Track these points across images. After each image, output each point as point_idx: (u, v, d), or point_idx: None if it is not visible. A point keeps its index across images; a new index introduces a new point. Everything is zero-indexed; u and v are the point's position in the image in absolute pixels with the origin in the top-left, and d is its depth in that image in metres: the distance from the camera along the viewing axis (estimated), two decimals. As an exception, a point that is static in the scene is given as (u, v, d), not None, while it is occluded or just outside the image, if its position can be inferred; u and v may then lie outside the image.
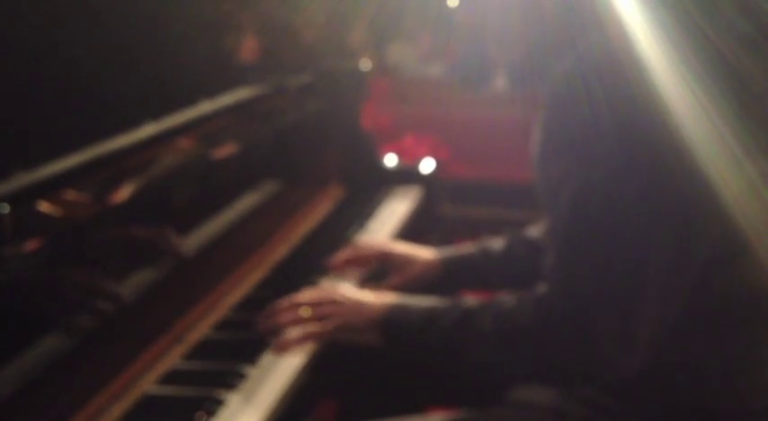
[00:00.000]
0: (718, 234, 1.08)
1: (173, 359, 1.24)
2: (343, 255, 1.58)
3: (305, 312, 1.30)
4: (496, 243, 1.54)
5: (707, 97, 1.04)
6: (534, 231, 1.50)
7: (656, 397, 1.17)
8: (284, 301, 1.33)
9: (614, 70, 1.07)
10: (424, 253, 1.58)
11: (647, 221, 1.07)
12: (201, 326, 1.34)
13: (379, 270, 1.60)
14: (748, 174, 1.05)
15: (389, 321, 1.26)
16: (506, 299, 1.20)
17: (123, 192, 1.20)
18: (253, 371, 1.19)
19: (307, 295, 1.33)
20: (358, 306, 1.29)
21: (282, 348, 1.25)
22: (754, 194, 1.06)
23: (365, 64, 2.18)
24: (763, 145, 1.06)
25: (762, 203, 1.06)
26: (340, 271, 1.55)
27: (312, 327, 1.28)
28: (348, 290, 1.35)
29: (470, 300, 1.24)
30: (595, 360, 1.13)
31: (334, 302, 1.30)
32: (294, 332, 1.27)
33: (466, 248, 1.57)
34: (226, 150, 1.53)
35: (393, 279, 1.55)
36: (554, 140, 1.15)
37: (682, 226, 1.07)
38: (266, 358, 1.24)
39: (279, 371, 1.21)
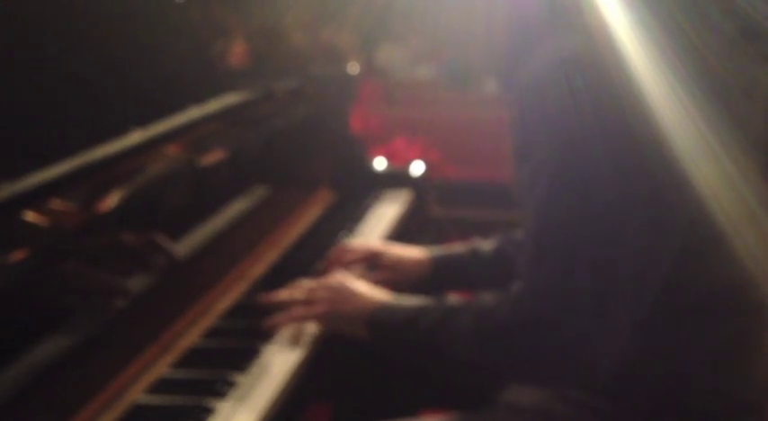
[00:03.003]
0: (692, 226, 1.08)
1: (162, 368, 1.23)
2: (332, 257, 1.58)
3: (299, 295, 1.35)
4: (486, 244, 1.55)
5: (688, 96, 1.04)
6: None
7: (644, 396, 1.17)
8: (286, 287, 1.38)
9: (598, 72, 1.07)
10: (414, 252, 1.58)
11: (621, 212, 1.06)
12: (191, 334, 1.33)
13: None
14: (726, 169, 1.06)
15: (375, 318, 1.28)
16: (488, 297, 1.21)
17: (111, 201, 1.19)
18: (243, 379, 1.19)
19: (306, 281, 1.38)
20: (351, 296, 1.31)
21: (271, 326, 1.31)
22: (731, 189, 1.06)
23: (353, 67, 2.17)
24: (742, 142, 1.07)
25: (738, 198, 1.06)
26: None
27: (301, 309, 1.32)
28: (348, 279, 1.36)
29: (454, 298, 1.25)
30: (569, 358, 1.13)
31: (330, 288, 1.33)
32: (286, 314, 1.33)
33: (456, 248, 1.57)
34: (214, 156, 1.52)
35: (382, 276, 1.56)
36: (529, 134, 1.14)
37: (654, 217, 1.07)
38: (256, 365, 1.23)
39: (269, 378, 1.20)
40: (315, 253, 1.66)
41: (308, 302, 1.34)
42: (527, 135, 1.14)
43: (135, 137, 1.35)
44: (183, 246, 1.37)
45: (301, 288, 1.37)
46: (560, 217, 1.10)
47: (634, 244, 1.08)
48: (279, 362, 1.24)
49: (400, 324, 1.25)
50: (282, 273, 1.59)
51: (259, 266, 1.60)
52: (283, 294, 1.37)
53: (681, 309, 1.13)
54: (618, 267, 1.08)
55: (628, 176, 1.06)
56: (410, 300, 1.29)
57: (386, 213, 1.93)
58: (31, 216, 1.05)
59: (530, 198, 1.13)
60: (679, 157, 1.03)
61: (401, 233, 1.87)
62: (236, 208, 1.58)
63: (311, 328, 1.33)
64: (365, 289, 1.34)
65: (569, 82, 1.07)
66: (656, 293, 1.11)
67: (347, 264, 1.57)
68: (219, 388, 1.16)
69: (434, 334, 1.22)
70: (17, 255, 1.00)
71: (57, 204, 1.10)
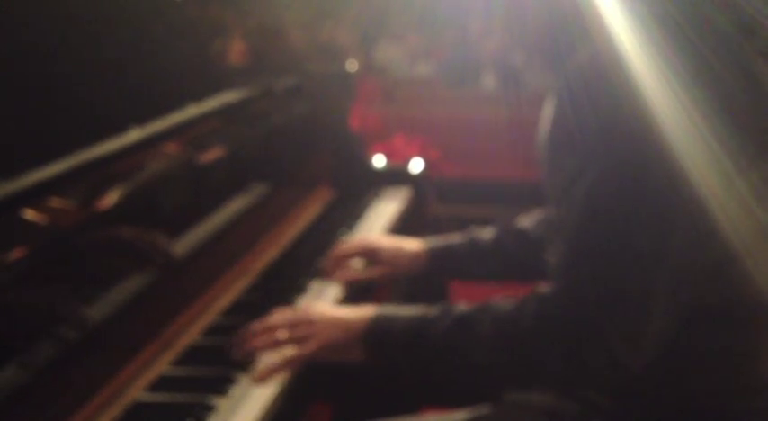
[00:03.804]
0: (708, 240, 1.07)
1: (162, 365, 1.23)
2: (331, 257, 1.58)
3: (281, 335, 1.23)
4: (485, 233, 1.54)
5: (698, 112, 1.03)
6: (525, 221, 1.50)
7: (652, 396, 1.17)
8: (257, 325, 1.25)
9: (604, 85, 1.07)
10: (411, 244, 1.57)
11: (661, 222, 1.06)
12: (191, 332, 1.33)
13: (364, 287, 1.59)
14: (734, 181, 1.05)
15: (373, 333, 1.20)
16: (503, 301, 1.18)
17: (110, 199, 1.19)
18: (243, 376, 1.19)
19: (280, 317, 1.26)
20: (337, 322, 1.22)
21: (261, 377, 1.19)
22: (740, 202, 1.05)
23: (352, 65, 2.17)
24: (744, 145, 1.06)
25: (746, 211, 1.06)
26: (332, 274, 1.55)
27: (291, 351, 1.22)
28: (323, 307, 1.29)
29: (461, 305, 1.20)
30: (601, 360, 1.10)
31: (310, 322, 1.23)
32: (270, 357, 1.22)
33: (453, 238, 1.56)
34: (213, 154, 1.52)
35: (380, 271, 1.55)
36: (567, 139, 1.13)
37: (691, 225, 1.06)
38: (257, 363, 1.23)
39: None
40: (314, 251, 1.66)
41: (294, 341, 1.22)
42: (566, 136, 1.13)
43: (133, 135, 1.35)
44: (183, 244, 1.37)
45: (278, 326, 1.24)
46: (602, 221, 1.08)
47: (674, 249, 1.06)
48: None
49: (403, 336, 1.19)
50: (282, 271, 1.59)
51: (259, 264, 1.60)
52: (262, 339, 1.23)
53: (694, 316, 1.12)
54: (658, 272, 1.07)
55: (640, 183, 1.06)
56: (405, 310, 1.23)
57: (385, 210, 1.93)
58: (30, 214, 1.05)
59: (568, 199, 1.11)
60: (687, 171, 1.02)
61: (400, 230, 1.87)
62: (235, 206, 1.58)
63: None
64: (347, 311, 1.25)
65: (573, 100, 1.08)
66: (690, 298, 1.10)
67: (346, 260, 1.57)
68: (220, 385, 1.16)
69: (446, 343, 1.16)
70: (16, 254, 1.00)
71: (56, 202, 1.10)
